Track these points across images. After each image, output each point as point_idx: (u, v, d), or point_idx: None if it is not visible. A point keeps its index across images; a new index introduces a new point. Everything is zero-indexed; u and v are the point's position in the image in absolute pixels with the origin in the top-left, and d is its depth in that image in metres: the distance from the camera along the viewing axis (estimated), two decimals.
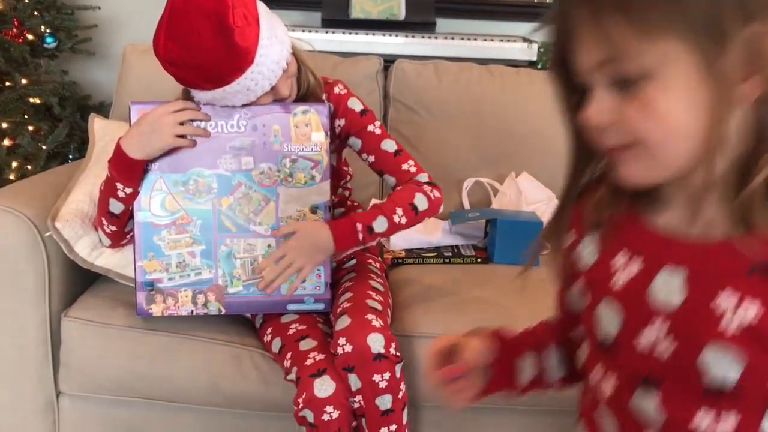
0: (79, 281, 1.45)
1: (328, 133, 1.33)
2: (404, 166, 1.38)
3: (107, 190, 1.29)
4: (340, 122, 1.40)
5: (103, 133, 1.62)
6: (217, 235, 1.32)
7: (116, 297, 1.41)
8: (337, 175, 1.46)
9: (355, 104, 1.41)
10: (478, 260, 1.69)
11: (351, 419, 1.25)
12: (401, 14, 2.89)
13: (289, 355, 1.28)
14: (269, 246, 1.33)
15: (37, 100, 2.54)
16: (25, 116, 2.48)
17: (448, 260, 1.69)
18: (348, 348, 1.21)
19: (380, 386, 1.22)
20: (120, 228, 1.34)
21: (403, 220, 1.32)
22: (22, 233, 1.33)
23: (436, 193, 1.36)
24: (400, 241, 1.72)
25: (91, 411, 1.42)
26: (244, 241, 1.33)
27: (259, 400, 1.36)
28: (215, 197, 1.31)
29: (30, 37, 2.56)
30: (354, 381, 1.22)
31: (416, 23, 2.87)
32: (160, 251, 1.31)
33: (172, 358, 1.35)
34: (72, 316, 1.37)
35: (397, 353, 1.24)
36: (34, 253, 1.34)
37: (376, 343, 1.21)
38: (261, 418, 1.41)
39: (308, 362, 1.24)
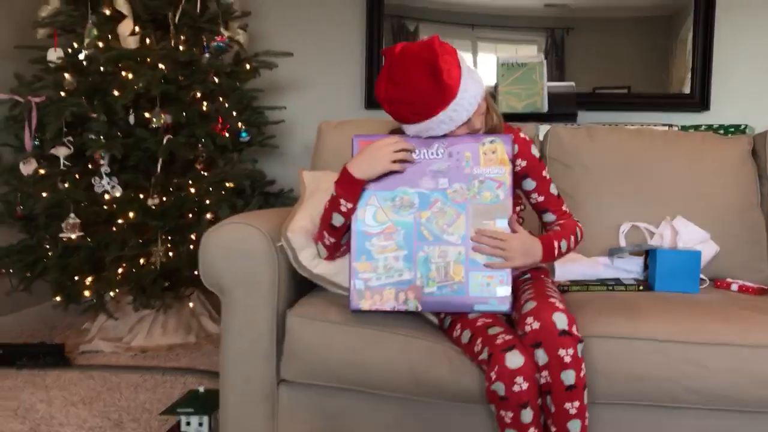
0: (300, 287, 1.74)
1: (512, 159, 1.57)
2: (564, 207, 1.73)
3: (331, 207, 1.59)
4: (522, 163, 1.67)
5: (312, 180, 1.95)
6: (417, 243, 1.57)
7: (330, 299, 1.68)
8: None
9: (535, 151, 1.70)
10: (640, 288, 1.84)
11: (537, 396, 1.41)
12: (544, 108, 3.17)
13: (479, 340, 1.48)
14: (459, 253, 1.56)
15: (232, 184, 2.98)
16: (222, 192, 2.91)
17: (611, 287, 1.85)
18: (535, 325, 1.40)
19: (565, 360, 1.38)
20: (338, 240, 1.63)
21: (573, 246, 1.65)
22: (260, 243, 1.64)
23: (583, 229, 1.72)
24: (565, 273, 1.91)
25: (305, 399, 1.65)
26: (439, 248, 1.56)
27: (451, 388, 1.54)
28: (416, 211, 1.57)
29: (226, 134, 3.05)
30: (541, 356, 1.39)
31: (559, 115, 3.15)
32: (371, 255, 1.57)
33: (377, 350, 1.58)
34: (296, 312, 1.64)
35: (578, 333, 1.41)
36: (268, 260, 1.64)
37: (560, 320, 1.39)
38: (451, 409, 1.58)
39: (498, 341, 1.43)
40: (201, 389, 2.16)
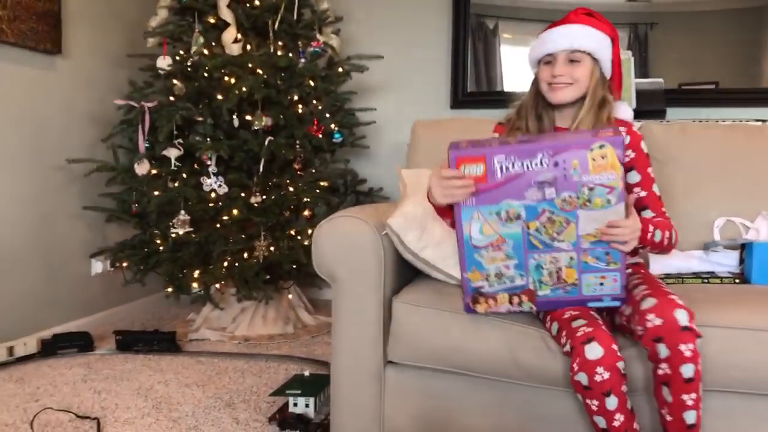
0: (405, 275, 1.85)
1: (623, 163, 1.45)
2: (664, 209, 1.76)
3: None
4: (630, 154, 1.74)
5: (411, 176, 2.05)
6: (527, 252, 1.56)
7: (434, 287, 1.79)
8: None
9: (644, 146, 1.77)
10: (736, 281, 1.87)
11: (621, 381, 1.46)
12: (632, 105, 3.18)
13: (564, 333, 1.54)
14: (571, 258, 1.54)
15: (326, 183, 3.12)
16: (317, 191, 3.06)
17: (706, 280, 1.88)
18: (657, 321, 1.44)
19: (685, 355, 1.42)
20: None
21: (665, 242, 1.67)
22: (368, 235, 1.76)
23: (678, 237, 1.73)
24: (660, 266, 1.95)
25: (410, 380, 1.76)
26: (550, 255, 1.55)
27: (549, 373, 1.61)
28: (523, 222, 1.53)
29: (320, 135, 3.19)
30: (662, 350, 1.43)
31: (647, 111, 3.15)
32: (481, 265, 1.59)
33: (477, 336, 1.67)
34: (401, 299, 1.76)
35: (697, 329, 1.43)
36: (375, 250, 1.76)
37: (682, 317, 1.43)
38: (548, 393, 1.66)
39: (579, 333, 1.49)
40: (306, 373, 2.31)
